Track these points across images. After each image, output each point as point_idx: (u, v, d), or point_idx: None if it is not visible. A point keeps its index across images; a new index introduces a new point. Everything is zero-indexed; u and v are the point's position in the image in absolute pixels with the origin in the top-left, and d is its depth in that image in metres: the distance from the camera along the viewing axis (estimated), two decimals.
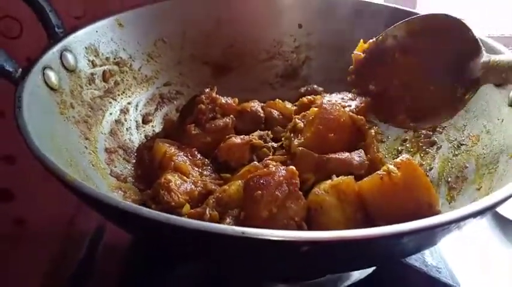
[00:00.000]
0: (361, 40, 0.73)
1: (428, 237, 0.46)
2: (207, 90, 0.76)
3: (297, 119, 0.68)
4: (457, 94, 0.65)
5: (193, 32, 0.86)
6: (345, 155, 0.64)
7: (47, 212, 1.21)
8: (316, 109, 0.66)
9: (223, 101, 0.76)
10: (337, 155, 0.63)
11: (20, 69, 0.61)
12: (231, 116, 0.75)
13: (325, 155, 0.63)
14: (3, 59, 0.60)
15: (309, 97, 0.72)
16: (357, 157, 0.64)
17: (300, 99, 0.73)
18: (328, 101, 0.67)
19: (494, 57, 0.61)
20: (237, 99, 0.78)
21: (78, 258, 0.70)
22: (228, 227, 0.40)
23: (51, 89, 0.64)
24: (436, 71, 0.68)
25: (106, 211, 0.48)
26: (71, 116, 0.65)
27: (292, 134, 0.67)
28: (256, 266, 0.49)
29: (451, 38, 0.66)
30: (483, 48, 0.63)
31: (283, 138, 0.71)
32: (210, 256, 0.48)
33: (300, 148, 0.64)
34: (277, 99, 0.80)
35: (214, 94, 0.76)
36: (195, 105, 0.74)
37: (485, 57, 0.62)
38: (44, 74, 0.63)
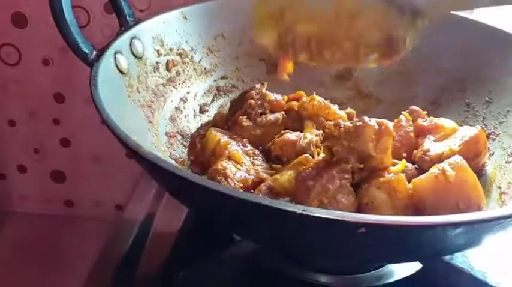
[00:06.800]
0: None
1: (477, 231, 0.47)
2: (258, 86, 0.78)
3: None
4: None
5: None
6: None
7: (94, 196, 1.27)
8: None
9: (273, 97, 0.78)
10: None
11: (95, 52, 0.65)
12: (282, 112, 0.77)
13: None
14: (82, 41, 0.64)
15: None
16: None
17: None
18: None
19: None
20: (286, 97, 0.80)
21: (126, 246, 0.72)
22: (290, 204, 0.42)
23: (121, 72, 0.68)
24: None
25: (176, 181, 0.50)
26: (136, 100, 0.69)
27: None
28: (310, 249, 0.51)
29: None
30: None
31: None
32: (268, 235, 0.50)
33: None
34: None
35: (264, 90, 0.78)
36: (245, 100, 0.76)
37: None
38: (115, 58, 0.67)
